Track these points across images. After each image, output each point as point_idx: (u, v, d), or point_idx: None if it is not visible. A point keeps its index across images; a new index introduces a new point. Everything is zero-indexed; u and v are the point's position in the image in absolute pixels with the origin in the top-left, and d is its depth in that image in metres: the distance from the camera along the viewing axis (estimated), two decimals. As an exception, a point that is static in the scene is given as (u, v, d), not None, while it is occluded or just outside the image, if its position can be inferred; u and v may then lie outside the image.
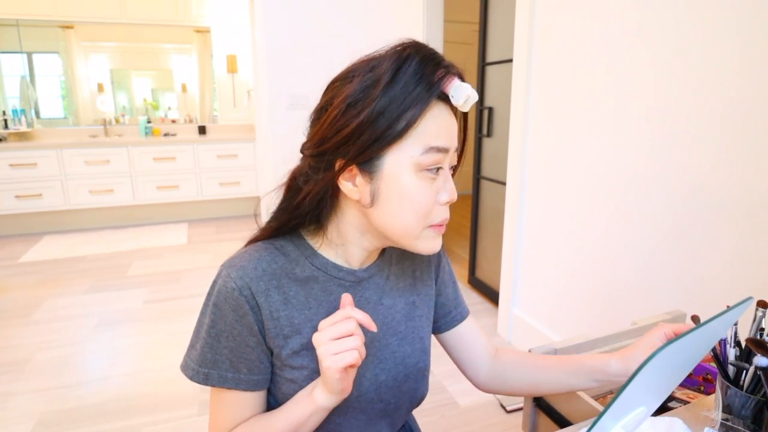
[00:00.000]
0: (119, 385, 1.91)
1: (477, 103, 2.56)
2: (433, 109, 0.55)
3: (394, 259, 0.71)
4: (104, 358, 2.10)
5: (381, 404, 0.68)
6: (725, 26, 1.18)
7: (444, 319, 0.77)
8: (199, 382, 0.60)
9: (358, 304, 0.65)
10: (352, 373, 0.57)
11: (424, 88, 0.53)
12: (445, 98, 0.56)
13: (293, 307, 0.61)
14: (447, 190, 0.57)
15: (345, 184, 0.57)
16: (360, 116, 0.53)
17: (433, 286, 0.75)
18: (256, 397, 0.63)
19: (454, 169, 0.63)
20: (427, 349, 0.73)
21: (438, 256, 0.76)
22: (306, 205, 0.59)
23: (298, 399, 0.60)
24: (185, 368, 0.62)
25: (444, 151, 0.55)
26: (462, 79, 0.57)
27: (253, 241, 0.65)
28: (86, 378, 1.96)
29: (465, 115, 0.62)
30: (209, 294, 0.61)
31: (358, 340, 0.53)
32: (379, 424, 0.70)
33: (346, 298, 0.57)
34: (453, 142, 0.57)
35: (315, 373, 0.61)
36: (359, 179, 0.56)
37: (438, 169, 0.56)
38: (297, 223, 0.63)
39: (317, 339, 0.54)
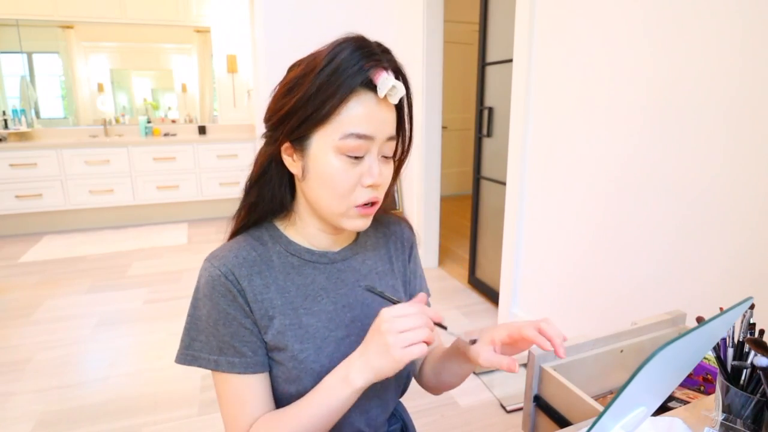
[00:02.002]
0: (119, 385, 1.91)
1: (477, 102, 2.56)
2: (358, 97, 0.58)
3: (370, 245, 0.75)
4: (104, 358, 2.10)
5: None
6: (727, 28, 1.18)
7: None
8: (209, 368, 0.63)
9: (335, 285, 0.68)
10: None
11: (349, 76, 0.57)
12: (375, 88, 0.59)
13: (273, 292, 0.64)
14: (371, 174, 0.60)
15: (286, 158, 0.64)
16: (293, 99, 0.59)
17: (406, 273, 0.79)
18: (266, 380, 0.65)
19: (400, 159, 0.68)
20: None
21: (411, 244, 0.80)
22: (256, 175, 0.67)
23: (331, 385, 0.60)
24: (184, 357, 0.64)
25: (365, 138, 0.59)
26: (398, 72, 0.61)
27: (232, 234, 0.70)
28: (86, 378, 1.96)
29: (409, 108, 0.65)
30: (196, 289, 0.64)
31: (427, 331, 0.54)
32: (369, 405, 0.70)
33: (421, 297, 0.60)
34: (380, 131, 0.60)
35: (298, 351, 0.63)
36: (295, 155, 0.63)
37: (360, 157, 0.60)
38: (268, 212, 0.68)
39: (387, 329, 0.55)
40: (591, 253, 1.70)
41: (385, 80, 0.58)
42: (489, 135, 2.52)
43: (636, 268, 1.51)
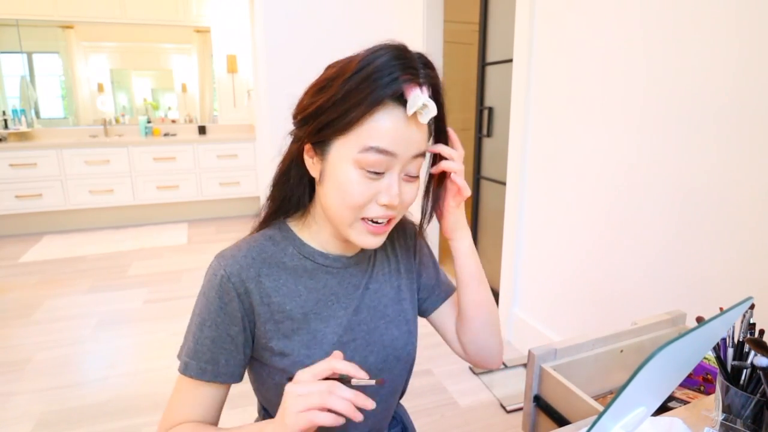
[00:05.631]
0: (119, 385, 1.91)
1: (477, 102, 2.56)
2: (385, 110, 0.55)
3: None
4: (104, 358, 2.10)
5: (372, 387, 0.68)
6: (725, 27, 1.18)
7: (430, 299, 0.78)
8: (179, 371, 0.63)
9: (346, 289, 0.67)
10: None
11: (378, 86, 0.53)
12: (405, 103, 0.55)
13: (284, 295, 0.63)
14: (389, 193, 0.57)
15: (307, 159, 0.62)
16: (320, 100, 0.57)
17: (414, 270, 0.77)
18: (222, 393, 0.64)
19: (438, 176, 0.67)
20: (413, 332, 0.74)
21: (415, 241, 0.79)
22: (281, 174, 0.65)
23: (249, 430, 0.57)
24: (180, 353, 0.65)
25: (386, 153, 0.55)
26: (433, 90, 0.57)
27: (250, 234, 0.69)
28: (86, 378, 1.96)
29: (439, 129, 0.62)
30: (202, 285, 0.63)
31: (324, 395, 0.49)
32: (371, 411, 0.70)
33: (337, 353, 0.55)
34: (404, 149, 0.56)
35: (305, 357, 0.62)
36: (316, 158, 0.61)
37: (380, 173, 0.57)
38: (283, 212, 0.67)
39: (287, 390, 0.51)
40: (591, 252, 1.70)
41: (416, 97, 0.54)
42: (489, 135, 2.52)
43: (636, 268, 1.51)
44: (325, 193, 0.60)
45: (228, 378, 0.63)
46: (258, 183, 4.42)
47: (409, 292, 0.75)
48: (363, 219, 0.59)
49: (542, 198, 1.94)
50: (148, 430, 1.65)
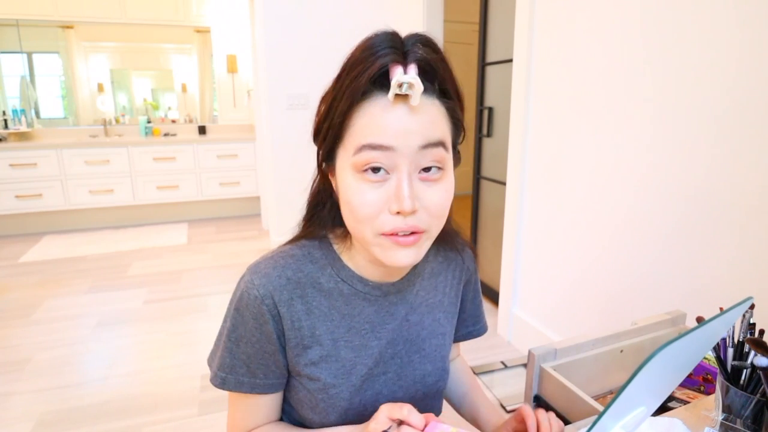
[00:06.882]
0: (119, 385, 1.91)
1: (477, 102, 2.56)
2: (371, 100, 0.48)
3: (427, 272, 0.68)
4: (104, 358, 2.10)
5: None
6: (726, 27, 1.18)
7: (458, 333, 0.78)
8: (215, 386, 0.61)
9: (383, 320, 0.63)
10: None
11: (357, 75, 0.47)
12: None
13: (316, 318, 0.59)
14: (398, 197, 0.49)
15: (331, 179, 0.57)
16: (320, 112, 0.54)
17: (458, 303, 0.73)
18: (273, 399, 0.64)
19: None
20: (447, 368, 0.71)
21: (469, 273, 0.74)
22: (313, 197, 0.61)
23: None
24: (210, 362, 0.64)
25: (380, 148, 0.48)
26: (428, 65, 0.49)
27: (291, 241, 0.64)
28: (86, 378, 1.96)
29: (458, 101, 0.54)
30: (232, 298, 0.60)
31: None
32: None
33: (429, 416, 0.54)
34: (403, 139, 0.48)
35: (330, 387, 0.60)
36: (332, 176, 0.56)
37: (381, 169, 0.49)
38: (325, 226, 0.62)
39: (372, 428, 0.51)
40: (591, 252, 1.70)
41: (397, 77, 0.46)
42: (489, 135, 2.52)
43: (636, 268, 1.51)
44: (342, 212, 0.55)
45: (267, 389, 0.61)
46: (258, 183, 4.42)
47: (449, 325, 0.71)
48: (384, 235, 0.51)
49: (542, 198, 1.94)
50: (148, 430, 1.65)
